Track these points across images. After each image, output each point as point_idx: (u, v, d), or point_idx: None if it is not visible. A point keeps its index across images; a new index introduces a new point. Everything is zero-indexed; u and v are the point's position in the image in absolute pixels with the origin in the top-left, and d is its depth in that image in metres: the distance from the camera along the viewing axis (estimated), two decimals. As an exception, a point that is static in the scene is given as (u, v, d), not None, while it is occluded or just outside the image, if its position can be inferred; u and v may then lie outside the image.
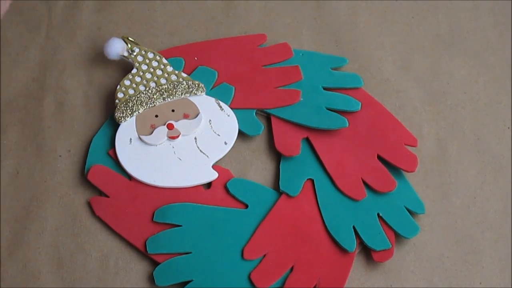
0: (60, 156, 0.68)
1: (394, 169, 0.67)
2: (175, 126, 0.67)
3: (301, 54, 0.72)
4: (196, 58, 0.71)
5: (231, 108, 0.69)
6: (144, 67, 0.70)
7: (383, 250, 0.64)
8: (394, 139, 0.68)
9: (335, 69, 0.71)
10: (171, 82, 0.69)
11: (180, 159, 0.66)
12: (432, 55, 0.73)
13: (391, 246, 0.64)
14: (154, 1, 0.76)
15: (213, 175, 0.66)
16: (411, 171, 0.66)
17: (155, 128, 0.67)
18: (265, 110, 0.69)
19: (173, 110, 0.68)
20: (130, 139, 0.67)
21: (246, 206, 0.66)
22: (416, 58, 0.73)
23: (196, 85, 0.69)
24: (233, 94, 0.70)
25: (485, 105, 0.71)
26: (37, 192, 0.67)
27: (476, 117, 0.71)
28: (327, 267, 0.63)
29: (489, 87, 0.72)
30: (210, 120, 0.68)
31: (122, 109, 0.68)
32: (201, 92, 0.69)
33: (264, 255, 0.63)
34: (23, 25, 0.74)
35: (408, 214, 0.65)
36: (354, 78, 0.70)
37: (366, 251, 0.65)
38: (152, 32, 0.74)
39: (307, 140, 0.68)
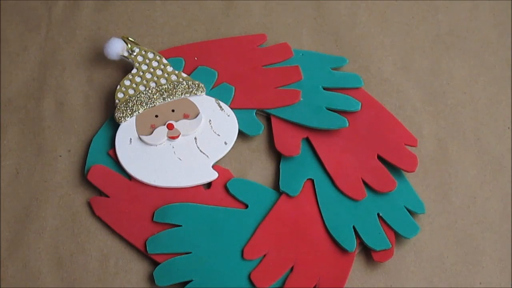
0: (60, 156, 0.68)
1: (394, 169, 0.67)
2: (175, 126, 0.67)
3: (301, 54, 0.72)
4: (196, 58, 0.71)
5: (231, 108, 0.69)
6: (144, 67, 0.70)
7: (383, 250, 0.64)
8: (394, 139, 0.68)
9: (335, 69, 0.71)
10: (171, 82, 0.69)
11: (180, 159, 0.66)
12: (432, 55, 0.73)
13: (391, 246, 0.64)
14: (154, 1, 0.76)
15: (213, 175, 0.66)
16: (411, 171, 0.66)
17: (155, 128, 0.67)
18: (265, 110, 0.69)
19: (173, 110, 0.68)
20: (130, 139, 0.67)
21: (246, 206, 0.66)
22: (416, 58, 0.73)
23: (196, 85, 0.69)
24: (233, 94, 0.70)
25: (485, 105, 0.71)
26: (37, 192, 0.67)
27: (476, 117, 0.71)
28: (327, 267, 0.63)
29: (489, 87, 0.72)
30: (210, 120, 0.68)
31: (122, 109, 0.68)
32: (201, 92, 0.69)
33: (264, 255, 0.63)
34: (23, 25, 0.74)
35: (408, 214, 0.65)
36: (354, 78, 0.70)
37: (366, 251, 0.65)
38: (152, 32, 0.74)
39: (307, 140, 0.68)
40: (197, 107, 0.68)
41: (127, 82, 0.69)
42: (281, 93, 0.70)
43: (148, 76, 0.70)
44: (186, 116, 0.68)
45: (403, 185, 0.66)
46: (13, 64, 0.72)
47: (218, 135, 0.68)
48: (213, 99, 0.69)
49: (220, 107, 0.68)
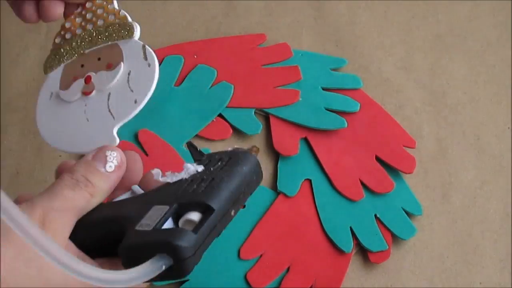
0: (60, 156, 0.69)
1: (392, 170, 0.66)
2: (92, 80, 0.53)
3: (300, 55, 0.72)
4: (195, 56, 0.71)
5: (230, 107, 0.68)
6: (88, 4, 0.56)
7: (380, 251, 0.64)
8: (393, 140, 0.68)
9: (334, 69, 0.71)
10: (107, 24, 0.55)
11: (88, 120, 0.53)
12: (432, 55, 0.73)
13: (387, 247, 0.64)
14: (154, 1, 0.76)
15: (114, 141, 0.51)
16: (409, 173, 0.66)
17: (75, 81, 0.54)
18: (264, 109, 0.69)
19: (99, 59, 0.54)
20: (51, 93, 0.55)
21: (243, 206, 0.65)
22: (416, 58, 0.73)
23: (128, 26, 0.55)
24: (232, 92, 0.69)
25: (485, 105, 0.71)
26: (37, 192, 0.67)
27: (476, 117, 0.70)
28: (324, 267, 0.63)
29: (489, 87, 0.72)
30: (129, 72, 0.52)
31: (51, 58, 0.56)
32: (130, 36, 0.54)
33: (261, 255, 0.64)
34: (23, 25, 0.74)
35: (405, 215, 0.65)
36: (353, 79, 0.70)
37: (363, 252, 0.64)
38: (152, 32, 0.74)
39: (306, 140, 0.68)
40: (122, 55, 0.53)
41: (67, 24, 0.56)
42: (280, 92, 0.70)
43: (89, 16, 0.56)
44: (109, 66, 0.53)
45: (400, 187, 0.66)
46: (13, 64, 0.73)
47: (132, 91, 0.52)
48: (140, 44, 0.54)
49: (145, 55, 0.53)
